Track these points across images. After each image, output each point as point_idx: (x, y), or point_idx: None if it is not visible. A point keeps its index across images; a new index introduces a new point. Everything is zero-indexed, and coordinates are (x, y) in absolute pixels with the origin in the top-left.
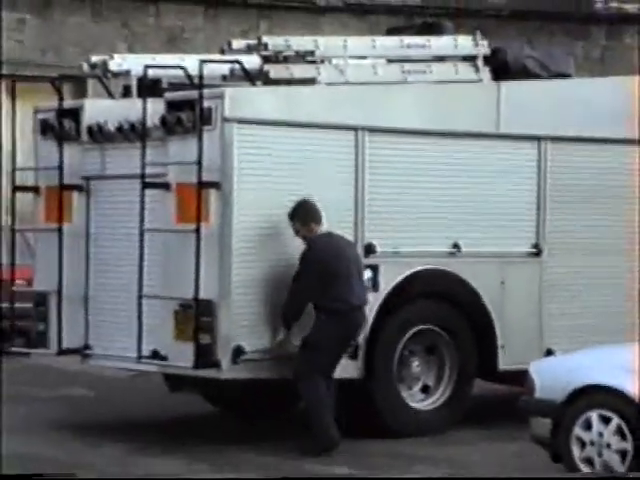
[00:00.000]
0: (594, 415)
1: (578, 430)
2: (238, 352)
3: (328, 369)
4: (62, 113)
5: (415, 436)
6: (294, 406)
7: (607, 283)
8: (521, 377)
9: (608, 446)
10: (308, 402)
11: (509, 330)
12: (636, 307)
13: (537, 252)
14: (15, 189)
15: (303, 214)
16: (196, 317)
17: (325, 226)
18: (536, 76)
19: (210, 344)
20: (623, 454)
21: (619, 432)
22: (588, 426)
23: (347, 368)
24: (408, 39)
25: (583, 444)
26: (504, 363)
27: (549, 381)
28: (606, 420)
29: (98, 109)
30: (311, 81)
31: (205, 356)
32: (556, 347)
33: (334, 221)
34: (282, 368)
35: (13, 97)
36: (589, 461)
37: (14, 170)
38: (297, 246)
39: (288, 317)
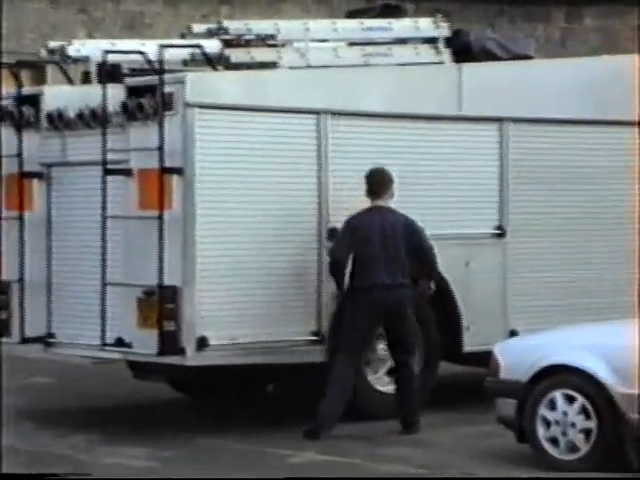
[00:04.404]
0: (558, 395)
1: (543, 410)
2: (203, 340)
3: (360, 347)
4: (21, 100)
5: (382, 419)
6: (261, 390)
7: (571, 263)
8: (486, 358)
9: (573, 425)
10: (331, 385)
11: (474, 312)
12: (601, 287)
13: (501, 233)
14: None
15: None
16: (160, 304)
17: (369, 202)
18: (497, 58)
19: (174, 331)
20: (587, 433)
21: (583, 411)
22: (553, 406)
23: (312, 352)
24: (369, 22)
25: (548, 424)
26: (469, 345)
27: (513, 362)
28: (570, 399)
29: (58, 95)
30: (272, 65)
31: (170, 343)
32: (520, 328)
33: (298, 206)
34: (249, 354)
35: None
36: (554, 441)
37: None
38: (262, 233)
39: (333, 277)
